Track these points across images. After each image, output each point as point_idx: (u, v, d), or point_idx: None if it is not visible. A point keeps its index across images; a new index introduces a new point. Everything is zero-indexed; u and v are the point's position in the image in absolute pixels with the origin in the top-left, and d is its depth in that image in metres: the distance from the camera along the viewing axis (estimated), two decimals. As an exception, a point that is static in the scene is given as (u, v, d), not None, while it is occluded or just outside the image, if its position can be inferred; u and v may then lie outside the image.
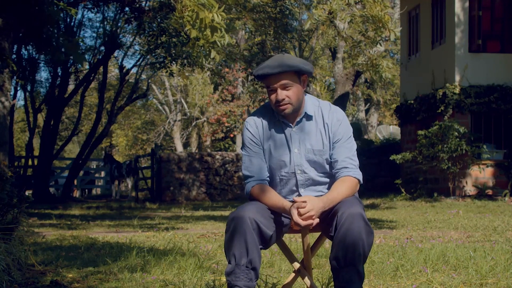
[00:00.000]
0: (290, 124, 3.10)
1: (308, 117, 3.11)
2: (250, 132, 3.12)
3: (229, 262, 2.89)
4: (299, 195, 3.09)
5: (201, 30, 6.60)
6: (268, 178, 3.11)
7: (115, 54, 22.22)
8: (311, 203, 2.84)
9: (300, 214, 2.82)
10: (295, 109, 3.05)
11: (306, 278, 3.10)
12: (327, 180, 3.13)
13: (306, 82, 3.09)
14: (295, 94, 3.02)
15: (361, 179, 3.06)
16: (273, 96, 3.03)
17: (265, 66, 3.01)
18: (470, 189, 14.76)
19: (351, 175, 3.03)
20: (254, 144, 3.11)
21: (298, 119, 3.09)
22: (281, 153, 3.09)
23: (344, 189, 2.98)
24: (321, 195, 3.08)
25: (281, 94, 3.00)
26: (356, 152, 3.11)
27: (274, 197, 3.00)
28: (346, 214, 2.82)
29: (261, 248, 2.93)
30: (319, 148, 3.08)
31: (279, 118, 3.10)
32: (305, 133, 3.09)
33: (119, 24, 17.82)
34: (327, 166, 3.11)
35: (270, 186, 3.10)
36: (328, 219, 2.93)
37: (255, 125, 3.13)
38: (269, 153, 3.11)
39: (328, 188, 3.11)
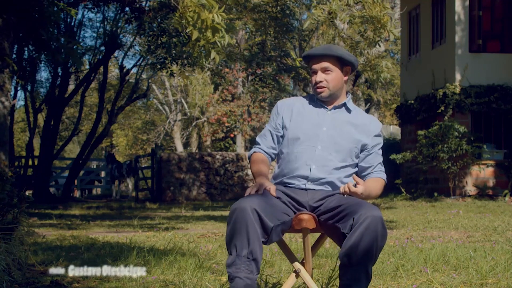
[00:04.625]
0: (327, 107, 3.23)
1: (347, 109, 3.24)
2: (281, 106, 3.28)
3: (230, 253, 2.88)
4: (310, 169, 3.12)
5: (201, 31, 6.60)
6: (272, 155, 3.26)
7: (115, 54, 22.24)
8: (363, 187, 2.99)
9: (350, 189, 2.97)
10: (332, 94, 3.19)
11: (306, 278, 3.10)
12: (340, 172, 3.15)
13: (349, 74, 3.23)
14: (333, 79, 3.17)
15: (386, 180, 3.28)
16: (313, 78, 3.20)
17: (313, 49, 3.20)
18: (470, 189, 14.76)
19: (382, 177, 3.20)
20: (277, 121, 3.26)
21: (336, 104, 3.23)
22: (310, 127, 3.18)
23: (378, 188, 3.15)
24: (329, 181, 3.12)
25: (320, 76, 3.16)
26: None
27: (260, 168, 3.14)
28: (368, 216, 2.82)
29: (262, 242, 2.91)
30: (347, 135, 3.17)
31: (318, 101, 3.25)
32: (339, 118, 3.21)
33: (119, 24, 17.82)
34: (349, 159, 3.17)
35: (288, 158, 3.19)
36: (341, 218, 2.93)
37: (295, 99, 3.30)
38: (298, 125, 3.20)
39: (337, 181, 3.14)
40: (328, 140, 3.14)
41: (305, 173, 3.11)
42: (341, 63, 3.17)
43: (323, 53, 3.14)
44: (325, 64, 3.14)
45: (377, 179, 3.17)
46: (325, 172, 3.12)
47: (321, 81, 3.15)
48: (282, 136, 3.25)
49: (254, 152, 3.26)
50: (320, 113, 3.21)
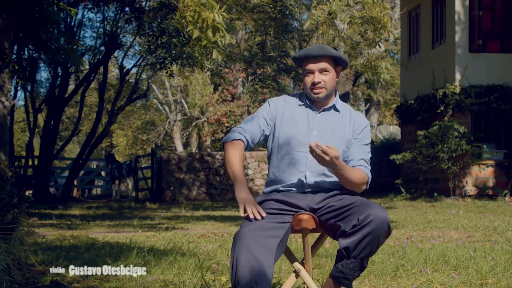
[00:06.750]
0: (316, 109, 3.18)
1: (336, 109, 3.20)
2: (273, 104, 3.19)
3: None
4: (305, 176, 3.10)
5: (202, 31, 6.60)
6: (251, 144, 3.15)
7: (115, 54, 22.24)
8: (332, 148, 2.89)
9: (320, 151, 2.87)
10: (327, 95, 3.14)
11: (306, 278, 3.10)
12: (335, 178, 3.10)
13: (339, 74, 3.19)
14: (330, 80, 3.12)
15: (370, 180, 3.12)
16: (309, 79, 3.13)
17: (307, 49, 3.12)
18: (470, 189, 14.75)
19: (364, 171, 3.11)
20: (265, 116, 3.17)
21: (325, 107, 3.18)
22: (300, 132, 3.13)
23: (356, 174, 3.04)
24: (325, 187, 3.09)
25: (318, 77, 3.10)
26: (369, 160, 3.19)
27: (238, 171, 3.01)
28: (377, 217, 2.83)
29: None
30: (337, 136, 3.13)
31: (307, 102, 3.18)
32: (328, 121, 3.16)
33: (119, 24, 17.83)
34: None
35: (280, 165, 3.12)
36: (344, 217, 2.92)
37: (284, 101, 3.21)
38: (288, 129, 3.14)
39: (334, 186, 3.12)
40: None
41: (301, 181, 3.10)
42: (335, 63, 3.14)
43: (321, 53, 3.08)
44: (323, 65, 3.09)
45: (357, 169, 3.08)
46: (321, 177, 3.11)
47: (319, 82, 3.10)
48: (266, 137, 3.19)
49: (236, 139, 3.11)
50: (309, 116, 3.16)
